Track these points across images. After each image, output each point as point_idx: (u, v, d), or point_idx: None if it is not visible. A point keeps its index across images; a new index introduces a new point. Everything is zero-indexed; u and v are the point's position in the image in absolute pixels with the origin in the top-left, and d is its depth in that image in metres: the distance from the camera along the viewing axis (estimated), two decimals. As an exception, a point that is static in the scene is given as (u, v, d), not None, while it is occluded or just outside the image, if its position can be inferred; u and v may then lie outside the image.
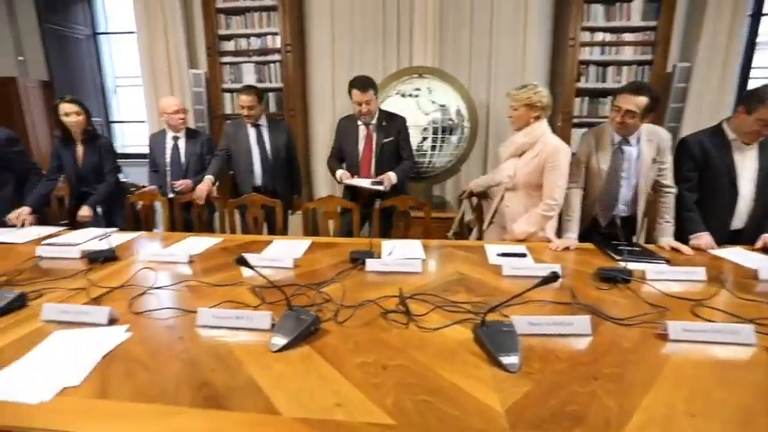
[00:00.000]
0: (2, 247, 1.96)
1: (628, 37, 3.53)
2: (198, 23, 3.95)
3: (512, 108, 2.04)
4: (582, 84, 3.63)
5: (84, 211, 2.51)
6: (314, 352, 1.07)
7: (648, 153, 1.99)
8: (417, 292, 1.42)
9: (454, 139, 3.28)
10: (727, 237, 2.02)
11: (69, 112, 2.49)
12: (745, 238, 2.00)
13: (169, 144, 2.88)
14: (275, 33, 3.79)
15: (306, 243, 1.99)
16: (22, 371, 0.98)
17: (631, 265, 1.62)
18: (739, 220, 2.03)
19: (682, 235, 2.00)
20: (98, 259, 1.71)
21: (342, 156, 2.77)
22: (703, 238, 1.94)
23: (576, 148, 2.18)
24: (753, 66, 3.79)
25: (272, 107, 3.97)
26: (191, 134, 2.95)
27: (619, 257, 1.75)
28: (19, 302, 1.29)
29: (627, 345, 1.10)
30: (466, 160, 3.53)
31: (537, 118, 2.02)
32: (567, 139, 3.60)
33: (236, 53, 3.89)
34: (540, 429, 0.79)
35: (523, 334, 1.12)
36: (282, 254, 1.73)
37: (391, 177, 2.52)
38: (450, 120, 3.19)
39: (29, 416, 0.84)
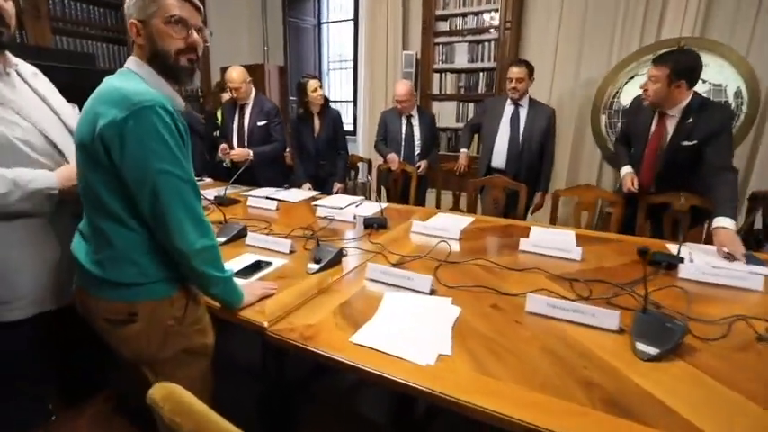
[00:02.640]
0: (284, 204, 2.26)
1: None
2: (414, 5, 4.03)
3: None
4: None
5: (339, 188, 2.88)
6: (697, 370, 0.87)
7: None
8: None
9: (725, 127, 2.64)
10: None
11: (316, 87, 2.75)
12: None
13: (403, 123, 3.01)
14: (494, 10, 3.62)
15: (570, 234, 1.79)
16: (382, 327, 1.01)
17: None
18: None
19: None
20: (372, 225, 1.81)
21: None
22: None
23: None
24: None
25: (482, 88, 3.85)
26: (421, 113, 3.07)
27: None
28: (338, 257, 1.41)
29: None
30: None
31: None
32: None
33: (450, 33, 3.85)
34: None
35: None
36: (559, 243, 1.56)
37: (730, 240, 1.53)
38: (727, 103, 2.57)
39: (422, 375, 0.84)
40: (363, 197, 2.39)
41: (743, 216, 2.13)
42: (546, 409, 0.75)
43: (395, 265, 1.40)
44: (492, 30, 3.68)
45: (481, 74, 3.84)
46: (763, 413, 0.76)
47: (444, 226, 1.75)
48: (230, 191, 2.38)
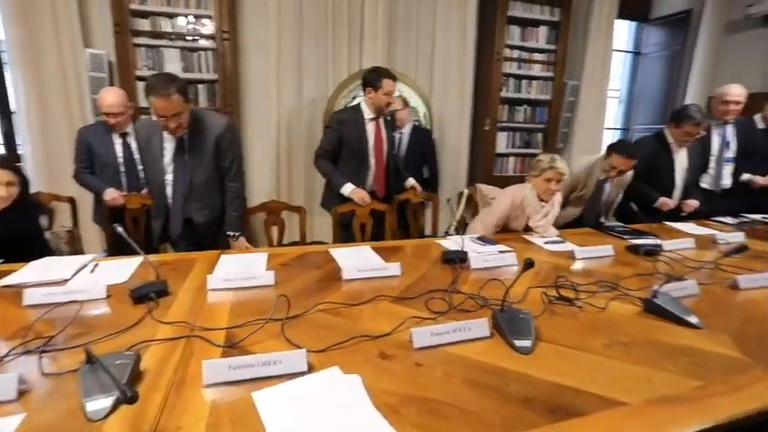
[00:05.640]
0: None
1: (537, 56, 4.19)
2: (93, -9, 3.11)
3: (558, 181, 2.11)
4: (503, 93, 4.14)
5: None
6: (557, 346, 1.06)
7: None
8: (547, 281, 1.47)
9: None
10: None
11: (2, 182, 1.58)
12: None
13: (117, 142, 2.26)
14: (207, 17, 3.26)
15: (367, 249, 1.83)
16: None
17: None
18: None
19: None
20: (148, 296, 1.25)
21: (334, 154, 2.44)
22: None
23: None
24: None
25: (203, 101, 3.41)
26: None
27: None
28: (137, 367, 0.88)
29: None
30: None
31: None
32: (494, 140, 4.08)
33: (154, 35, 3.20)
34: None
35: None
36: (370, 263, 1.56)
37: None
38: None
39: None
40: (96, 254, 1.64)
41: (459, 209, 2.82)
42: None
43: (230, 348, 1.02)
44: (206, 39, 3.31)
45: (200, 86, 3.40)
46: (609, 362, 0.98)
47: (246, 272, 1.42)
48: None
